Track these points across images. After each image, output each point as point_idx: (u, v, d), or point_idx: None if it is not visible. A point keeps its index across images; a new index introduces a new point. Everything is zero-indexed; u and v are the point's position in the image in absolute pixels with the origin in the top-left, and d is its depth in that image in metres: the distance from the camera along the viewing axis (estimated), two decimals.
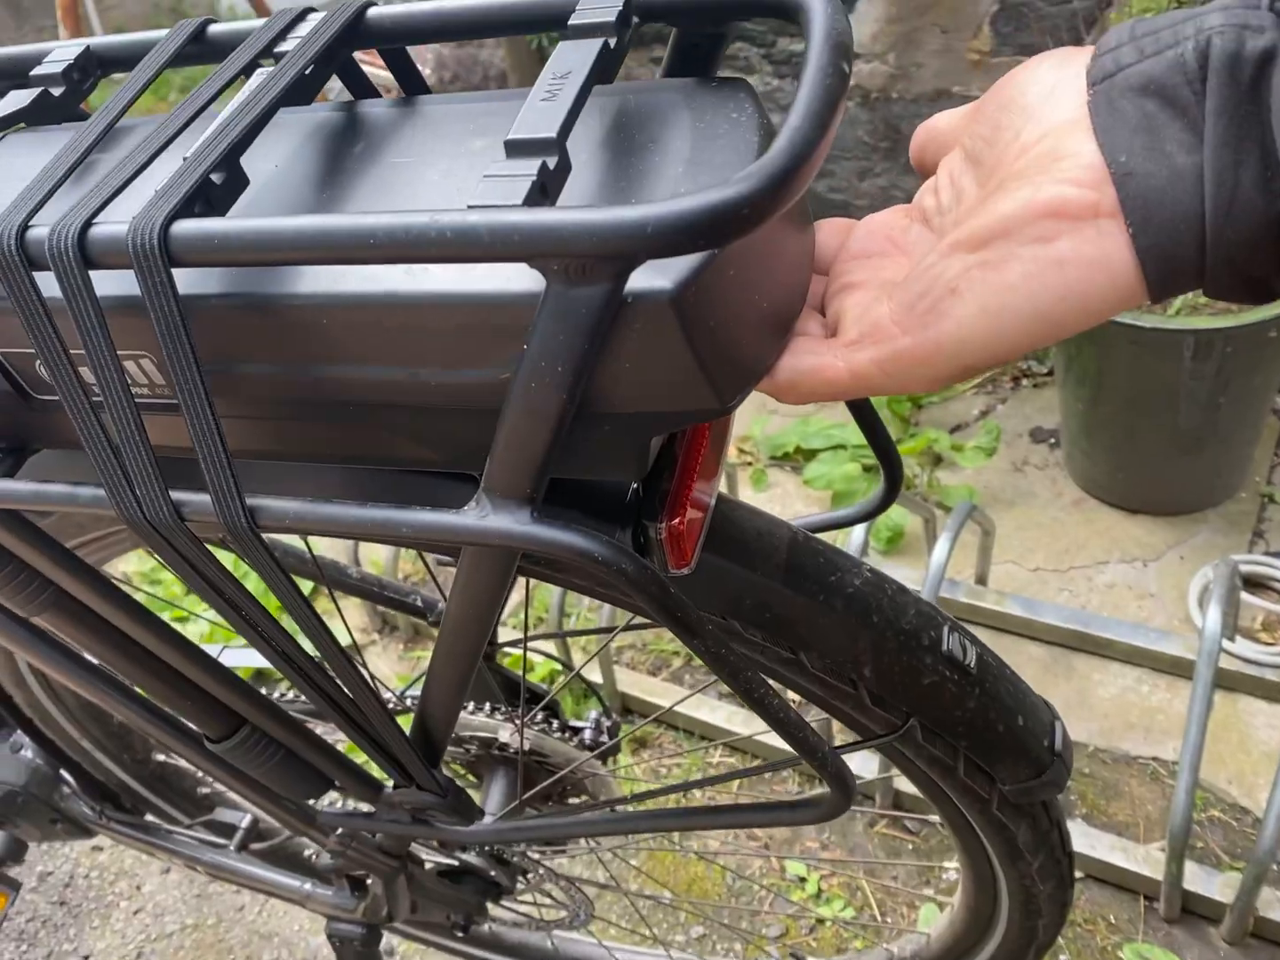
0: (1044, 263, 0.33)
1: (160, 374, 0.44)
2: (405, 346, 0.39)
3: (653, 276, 0.34)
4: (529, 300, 0.35)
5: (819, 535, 0.64)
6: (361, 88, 0.49)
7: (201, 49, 0.48)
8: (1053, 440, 2.02)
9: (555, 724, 0.98)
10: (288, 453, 0.48)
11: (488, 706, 0.96)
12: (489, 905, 0.92)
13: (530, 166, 0.33)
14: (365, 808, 0.76)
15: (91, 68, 0.50)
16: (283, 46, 0.45)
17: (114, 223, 0.36)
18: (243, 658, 1.31)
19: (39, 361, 0.45)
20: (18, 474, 0.51)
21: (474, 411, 0.40)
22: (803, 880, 1.38)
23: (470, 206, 0.32)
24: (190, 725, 0.68)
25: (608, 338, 0.34)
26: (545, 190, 0.34)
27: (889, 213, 0.45)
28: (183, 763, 1.14)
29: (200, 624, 1.82)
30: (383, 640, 1.87)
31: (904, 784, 1.41)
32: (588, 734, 1.01)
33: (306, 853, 1.10)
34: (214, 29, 0.48)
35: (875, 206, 2.25)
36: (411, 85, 0.49)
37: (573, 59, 0.38)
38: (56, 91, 0.49)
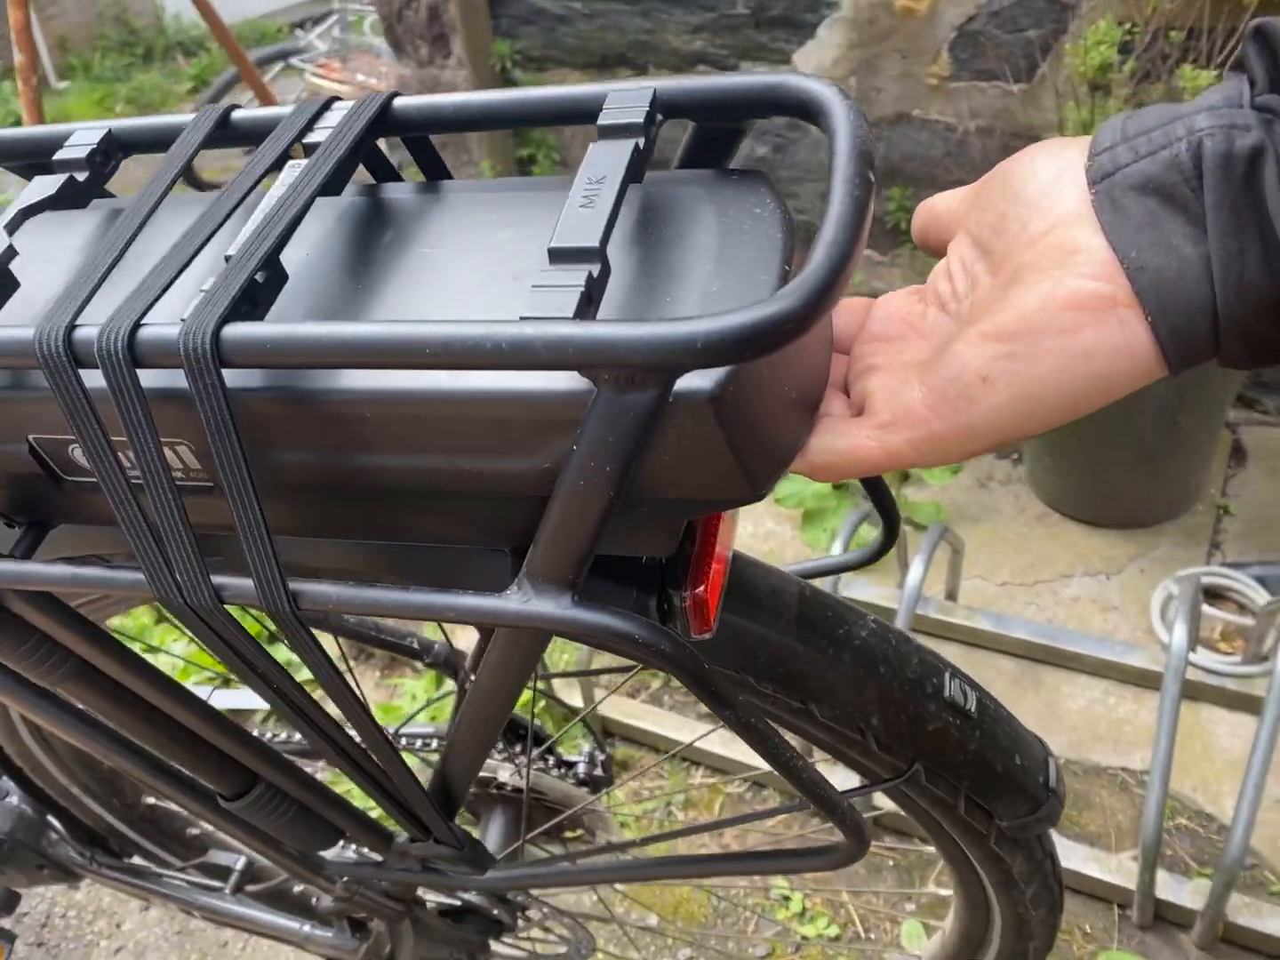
0: (1071, 355, 0.36)
1: (195, 459, 0.45)
2: (446, 438, 0.40)
3: (692, 377, 0.35)
4: (571, 398, 0.36)
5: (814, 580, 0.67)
6: (385, 172, 0.50)
7: (225, 133, 0.49)
8: (1016, 456, 2.07)
9: (551, 760, 1.00)
10: (314, 530, 0.49)
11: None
12: (491, 943, 0.93)
13: (575, 276, 0.35)
14: (374, 856, 0.77)
15: (113, 150, 0.50)
16: (312, 137, 0.45)
17: (163, 324, 0.37)
18: (232, 699, 1.31)
19: (73, 447, 0.46)
20: (39, 549, 0.52)
21: (506, 495, 0.42)
22: (787, 899, 1.40)
23: (523, 318, 0.33)
24: (204, 784, 0.69)
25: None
26: (591, 299, 0.35)
27: (904, 295, 0.47)
28: (173, 805, 1.14)
29: (167, 658, 1.81)
30: (359, 667, 1.87)
31: (883, 800, 1.43)
32: (581, 768, 1.03)
33: (298, 889, 1.10)
34: (237, 115, 0.48)
35: None
36: (433, 171, 0.50)
37: (607, 162, 0.40)
38: (81, 176, 0.49)
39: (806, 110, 0.39)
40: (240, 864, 1.06)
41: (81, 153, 0.49)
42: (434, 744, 1.01)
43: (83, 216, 0.51)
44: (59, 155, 0.49)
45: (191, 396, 0.37)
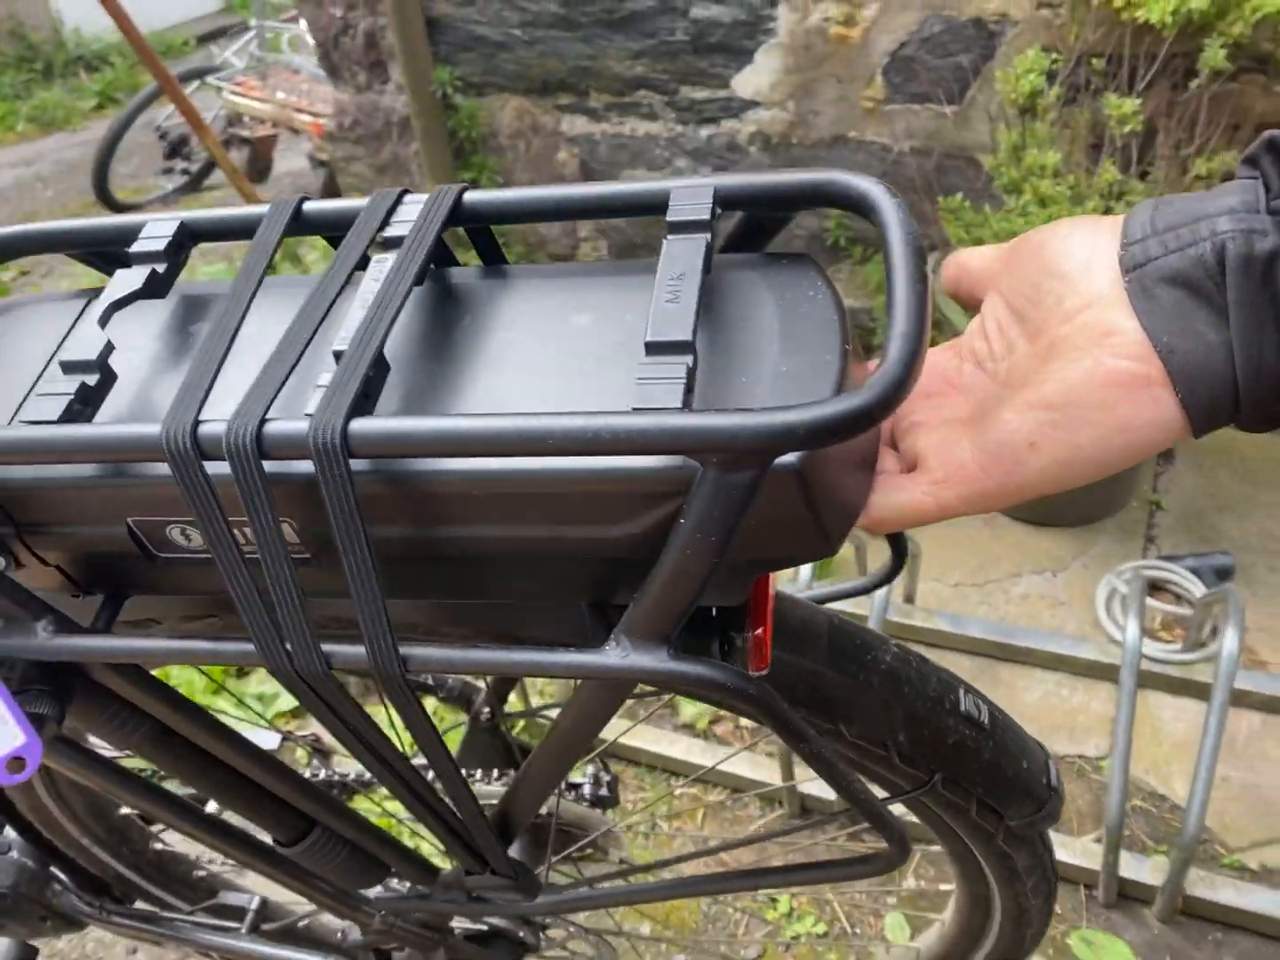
0: (1109, 427, 0.41)
1: (295, 535, 0.48)
2: (549, 510, 0.44)
3: None
4: (671, 474, 0.40)
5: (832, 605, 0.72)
6: (445, 258, 0.53)
7: (300, 224, 0.51)
8: None
9: (561, 785, 1.03)
10: (403, 593, 0.52)
11: (495, 773, 1.01)
12: None
13: (674, 369, 0.39)
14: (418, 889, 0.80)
15: (186, 241, 0.52)
16: (391, 230, 0.48)
17: (288, 421, 0.40)
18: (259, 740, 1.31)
19: (170, 528, 0.49)
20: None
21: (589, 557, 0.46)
22: (774, 901, 1.46)
23: (636, 410, 0.38)
24: (257, 837, 0.71)
25: None
26: (690, 389, 0.39)
27: (940, 351, 0.52)
28: (180, 849, 1.15)
29: None
30: None
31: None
32: (587, 789, 1.07)
33: (313, 926, 1.12)
34: (309, 207, 0.50)
35: (783, 244, 2.35)
36: (493, 257, 0.53)
37: (683, 259, 0.43)
38: (160, 268, 0.51)
39: (856, 204, 0.43)
40: (254, 903, 1.07)
41: (159, 245, 0.50)
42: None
43: (160, 306, 0.53)
44: (137, 248, 0.50)
45: (301, 480, 0.40)
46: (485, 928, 0.93)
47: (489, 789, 0.99)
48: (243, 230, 0.51)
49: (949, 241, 1.84)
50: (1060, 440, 0.42)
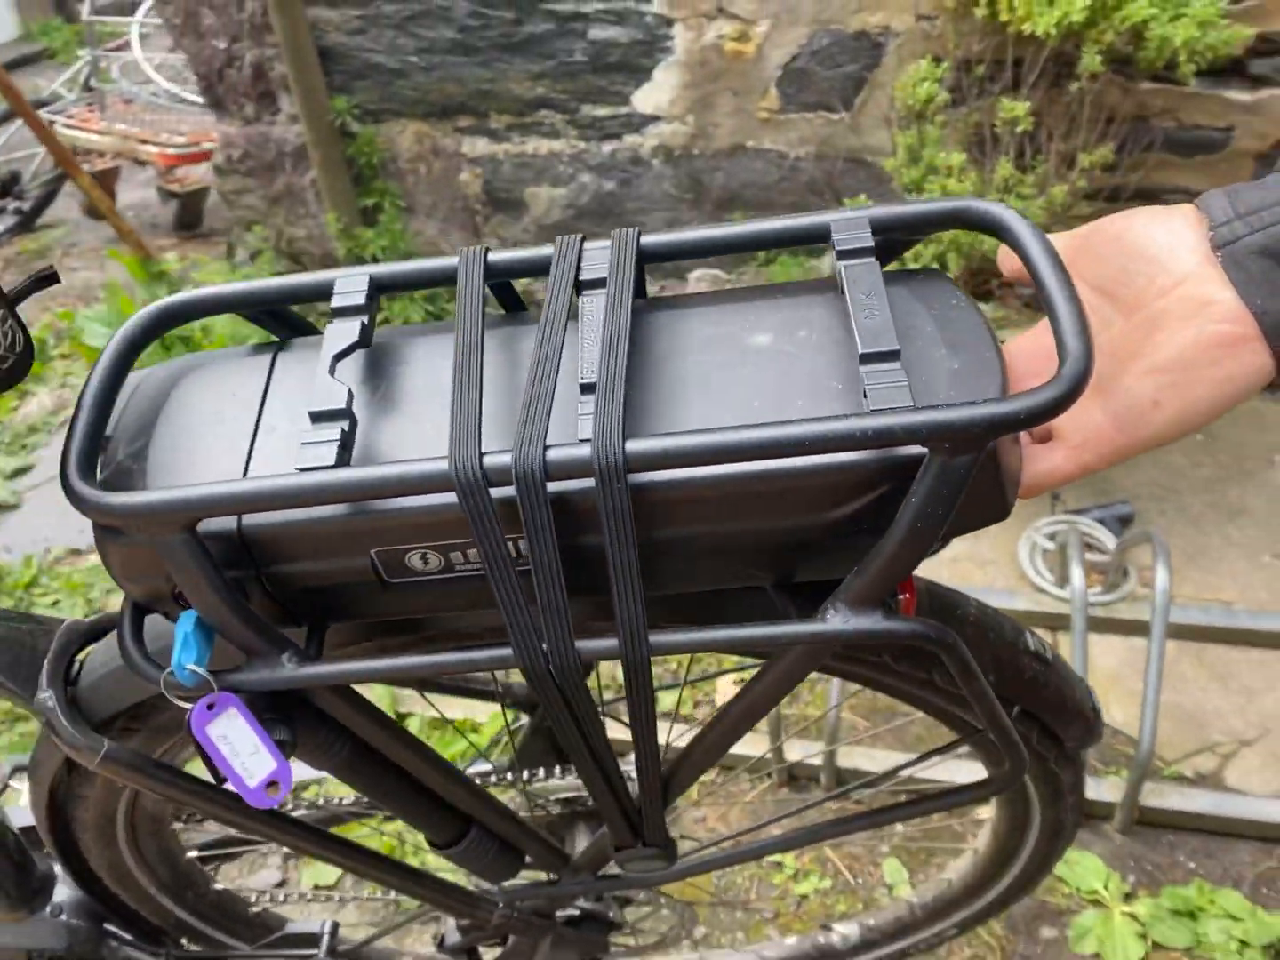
0: (1219, 381, 0.52)
1: (516, 550, 0.53)
2: (776, 504, 0.51)
3: None
4: (893, 460, 0.49)
5: None
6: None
7: (488, 272, 0.56)
8: None
9: None
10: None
11: (541, 771, 1.06)
12: (610, 940, 1.03)
13: (894, 374, 0.48)
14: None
15: (376, 294, 0.57)
16: (588, 275, 0.54)
17: (570, 446, 0.46)
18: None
19: (410, 554, 0.54)
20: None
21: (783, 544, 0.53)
22: (780, 865, 1.56)
23: (873, 410, 0.46)
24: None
25: None
26: (911, 390, 0.48)
27: (1031, 337, 0.61)
28: (234, 888, 1.16)
29: None
30: None
31: (845, 759, 1.61)
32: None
33: (387, 941, 1.15)
34: (493, 257, 0.56)
35: None
36: (514, 302, 0.59)
37: (865, 281, 0.51)
38: (365, 320, 0.56)
39: (992, 228, 0.52)
40: (327, 927, 1.10)
41: (359, 299, 0.55)
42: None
43: (362, 354, 0.58)
44: (339, 303, 0.55)
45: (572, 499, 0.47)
46: (577, 912, 1.00)
47: (557, 784, 1.05)
48: (429, 281, 0.56)
49: None
50: (1180, 396, 0.53)
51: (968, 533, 0.58)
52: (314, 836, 0.77)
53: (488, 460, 0.46)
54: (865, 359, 0.48)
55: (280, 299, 0.56)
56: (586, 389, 0.49)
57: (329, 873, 1.59)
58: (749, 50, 2.12)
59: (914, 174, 1.87)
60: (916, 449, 0.48)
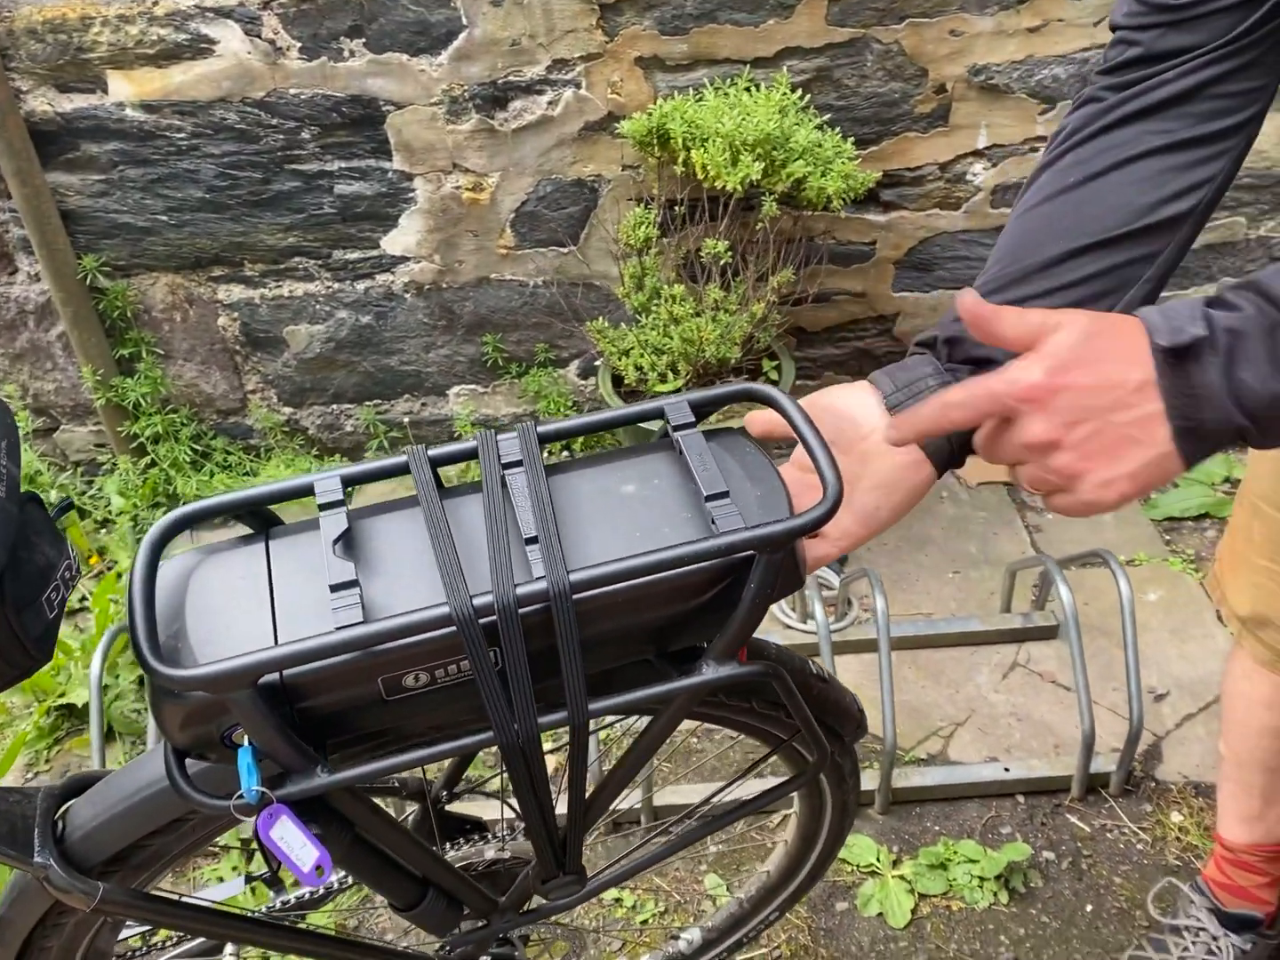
0: (910, 489, 0.83)
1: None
2: (662, 598, 0.78)
3: None
4: (738, 560, 0.74)
5: None
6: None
7: (432, 462, 0.80)
8: None
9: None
10: (547, 676, 0.77)
11: (461, 841, 1.27)
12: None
13: (728, 508, 0.76)
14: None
15: (345, 487, 0.73)
16: (507, 457, 0.79)
17: (530, 582, 0.70)
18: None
19: (406, 675, 0.76)
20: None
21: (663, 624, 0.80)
22: (619, 900, 1.80)
23: (722, 533, 0.75)
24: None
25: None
26: (743, 516, 0.77)
27: (792, 465, 0.94)
28: None
29: None
30: None
31: (661, 799, 1.89)
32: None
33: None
34: (433, 452, 0.80)
35: (442, 373, 2.71)
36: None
37: (695, 444, 0.79)
38: (346, 510, 0.78)
39: (767, 402, 0.81)
40: None
41: (338, 495, 0.70)
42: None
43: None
44: (322, 500, 0.69)
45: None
46: (497, 948, 1.21)
47: (471, 850, 1.26)
48: (386, 474, 0.73)
49: (604, 354, 2.31)
50: (890, 500, 0.86)
51: (782, 598, 0.89)
52: (288, 932, 0.95)
53: (476, 601, 0.67)
54: (709, 499, 0.75)
55: (270, 500, 0.70)
56: (530, 540, 0.71)
57: None
58: (484, 198, 2.42)
59: (640, 298, 2.23)
60: (750, 553, 0.71)
